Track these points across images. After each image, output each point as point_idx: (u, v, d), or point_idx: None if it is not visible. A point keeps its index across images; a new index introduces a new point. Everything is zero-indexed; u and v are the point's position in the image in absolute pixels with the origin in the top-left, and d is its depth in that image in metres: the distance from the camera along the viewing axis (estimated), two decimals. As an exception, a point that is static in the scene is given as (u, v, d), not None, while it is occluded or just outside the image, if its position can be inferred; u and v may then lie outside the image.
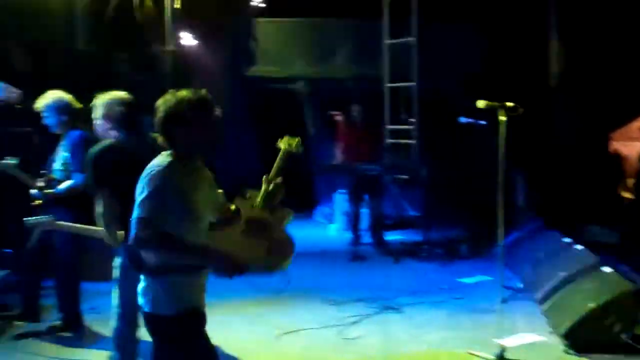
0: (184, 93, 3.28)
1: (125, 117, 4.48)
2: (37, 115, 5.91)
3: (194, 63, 11.00)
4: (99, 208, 4.32)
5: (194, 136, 3.28)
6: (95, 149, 4.47)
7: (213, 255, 3.26)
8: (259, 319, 6.57)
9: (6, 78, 8.10)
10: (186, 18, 10.60)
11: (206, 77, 10.65)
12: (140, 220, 3.15)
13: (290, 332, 6.17)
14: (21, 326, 6.22)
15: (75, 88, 6.19)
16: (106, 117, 4.50)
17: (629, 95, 9.01)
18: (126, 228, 3.46)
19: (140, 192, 3.20)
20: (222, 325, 5.42)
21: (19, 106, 7.81)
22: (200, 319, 3.41)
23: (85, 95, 4.92)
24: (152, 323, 3.34)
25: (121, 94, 4.54)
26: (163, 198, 3.17)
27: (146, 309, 3.33)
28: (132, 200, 3.23)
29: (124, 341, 4.65)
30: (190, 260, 3.29)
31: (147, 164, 3.29)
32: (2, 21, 8.78)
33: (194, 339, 3.35)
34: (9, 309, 6.52)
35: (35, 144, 7.69)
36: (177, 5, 10.22)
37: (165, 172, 3.21)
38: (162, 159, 3.28)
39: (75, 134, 5.82)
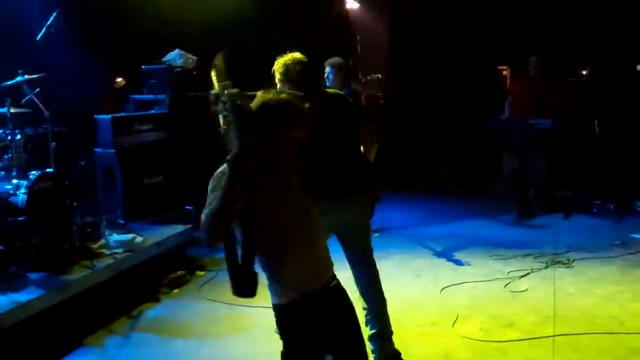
0: None
1: (303, 77, 4.34)
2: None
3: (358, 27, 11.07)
4: None
5: None
6: None
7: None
8: (424, 272, 6.68)
9: (181, 45, 8.58)
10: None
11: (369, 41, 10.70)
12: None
13: (455, 284, 6.24)
14: (203, 275, 6.74)
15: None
16: (284, 79, 4.36)
17: None
18: None
19: None
20: (388, 278, 5.55)
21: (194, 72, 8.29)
22: (306, 308, 3.10)
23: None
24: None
25: (297, 55, 4.39)
26: None
27: None
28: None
29: None
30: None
31: None
32: None
33: (296, 332, 3.12)
34: (193, 261, 7.05)
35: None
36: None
37: None
38: None
39: None
